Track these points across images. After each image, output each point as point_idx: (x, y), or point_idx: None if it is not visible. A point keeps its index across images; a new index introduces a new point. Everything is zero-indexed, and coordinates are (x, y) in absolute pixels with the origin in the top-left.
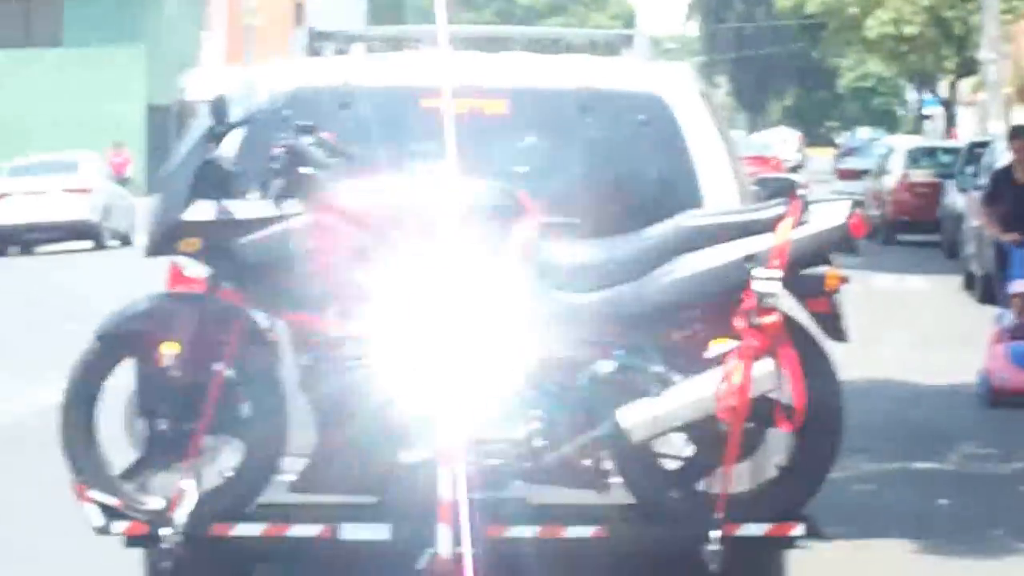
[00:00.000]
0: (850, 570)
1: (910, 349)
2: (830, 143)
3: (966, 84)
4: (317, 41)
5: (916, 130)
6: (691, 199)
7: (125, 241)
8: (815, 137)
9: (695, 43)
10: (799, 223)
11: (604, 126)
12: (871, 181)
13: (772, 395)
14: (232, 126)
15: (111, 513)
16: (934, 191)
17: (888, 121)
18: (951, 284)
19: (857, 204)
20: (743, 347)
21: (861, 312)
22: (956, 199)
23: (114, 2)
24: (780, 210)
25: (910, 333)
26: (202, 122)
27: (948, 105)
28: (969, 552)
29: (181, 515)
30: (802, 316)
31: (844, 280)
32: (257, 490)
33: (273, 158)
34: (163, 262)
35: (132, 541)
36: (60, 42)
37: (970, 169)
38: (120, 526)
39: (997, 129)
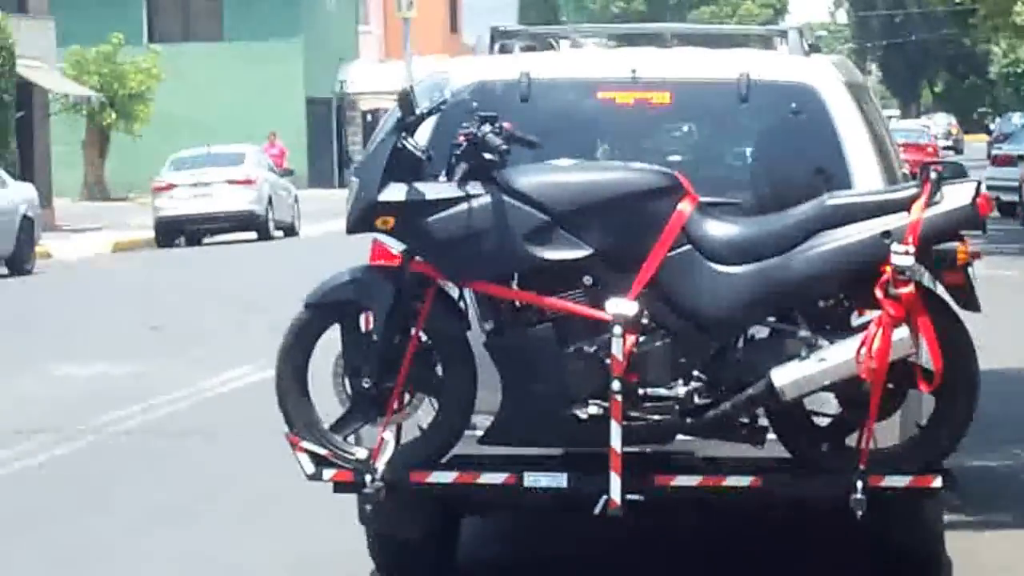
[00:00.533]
0: (1018, 559)
1: None
2: (984, 130)
3: None
4: (499, 39)
5: None
6: (840, 180)
7: (290, 231)
8: (969, 124)
9: (845, 30)
10: (931, 203)
11: (760, 114)
12: None
13: (911, 359)
14: (421, 117)
15: (321, 461)
16: None
17: None
18: None
19: (991, 188)
20: (882, 315)
21: (1016, 300)
22: None
23: None
24: (914, 191)
25: None
26: (393, 113)
27: None
28: None
29: (382, 464)
30: (937, 288)
31: (975, 255)
32: (450, 443)
33: (457, 145)
34: (332, 247)
35: (339, 487)
36: (220, 37)
37: None
38: (328, 473)
39: None
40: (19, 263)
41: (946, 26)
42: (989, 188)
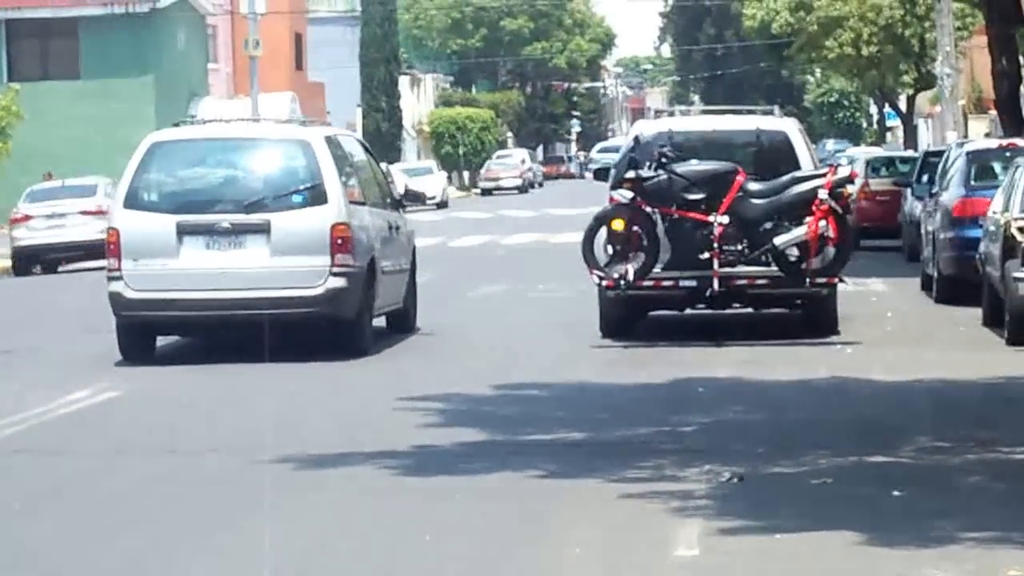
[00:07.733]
0: (804, 558)
1: (870, 348)
2: None
3: (924, 98)
4: (657, 113)
5: (879, 141)
6: (795, 167)
7: None
8: None
9: (670, 63)
10: (834, 174)
11: (765, 144)
12: None
13: (826, 233)
14: (640, 145)
15: (601, 278)
16: (894, 198)
17: (852, 133)
18: (911, 286)
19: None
20: (815, 217)
21: None
22: (915, 206)
23: (127, 37)
24: (827, 169)
25: (871, 333)
26: (627, 143)
27: (907, 117)
28: (916, 541)
29: (626, 278)
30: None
31: (850, 195)
32: (648, 271)
33: (652, 155)
34: None
35: (608, 289)
36: (78, 76)
37: (925, 178)
38: (604, 283)
39: (953, 139)
40: None
41: (763, 59)
42: None
